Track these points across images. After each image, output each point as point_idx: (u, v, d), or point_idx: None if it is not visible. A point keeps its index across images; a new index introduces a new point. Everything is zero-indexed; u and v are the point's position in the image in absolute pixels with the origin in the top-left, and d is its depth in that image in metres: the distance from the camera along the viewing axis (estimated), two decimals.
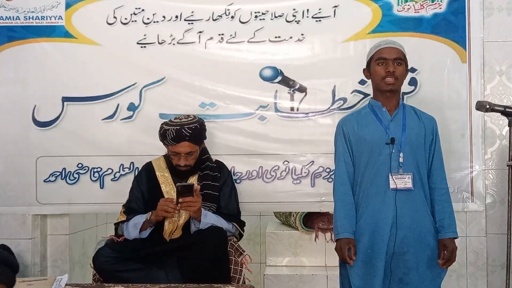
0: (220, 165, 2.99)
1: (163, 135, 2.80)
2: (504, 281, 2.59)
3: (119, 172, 3.20)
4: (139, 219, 2.77)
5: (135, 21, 3.20)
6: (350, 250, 2.47)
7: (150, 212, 2.76)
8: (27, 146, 3.22)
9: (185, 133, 2.76)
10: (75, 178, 3.21)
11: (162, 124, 2.87)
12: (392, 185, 2.47)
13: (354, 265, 2.51)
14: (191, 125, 2.79)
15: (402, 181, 2.47)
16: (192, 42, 3.20)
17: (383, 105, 2.57)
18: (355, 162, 2.58)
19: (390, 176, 2.47)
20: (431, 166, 2.56)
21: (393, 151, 2.49)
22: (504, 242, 2.61)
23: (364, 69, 2.67)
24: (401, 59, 2.53)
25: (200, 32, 3.19)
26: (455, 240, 2.52)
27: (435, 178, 2.56)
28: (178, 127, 2.77)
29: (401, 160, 2.48)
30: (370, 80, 2.65)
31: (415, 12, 3.11)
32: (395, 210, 2.46)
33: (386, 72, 2.50)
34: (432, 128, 2.58)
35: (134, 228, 2.76)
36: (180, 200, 2.65)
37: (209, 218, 2.75)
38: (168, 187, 2.86)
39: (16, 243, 3.18)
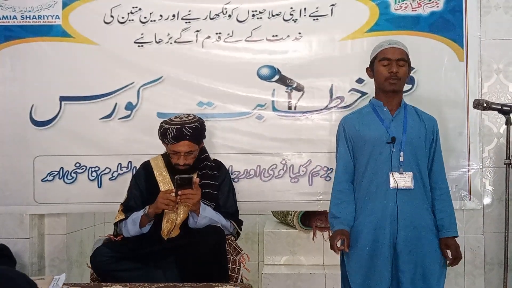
0: (218, 164, 2.99)
1: (163, 134, 2.79)
2: (501, 279, 2.59)
3: (117, 171, 3.20)
4: (137, 214, 2.77)
5: (132, 20, 3.20)
6: (344, 242, 2.46)
7: (148, 206, 2.75)
8: (25, 145, 3.21)
9: (186, 132, 2.75)
10: (73, 177, 3.20)
11: (162, 122, 2.86)
12: (392, 184, 2.48)
13: (353, 263, 2.52)
14: (192, 124, 2.79)
15: (402, 180, 2.48)
16: (190, 41, 3.19)
17: (384, 105, 2.58)
18: (356, 161, 2.59)
19: (390, 175, 2.48)
20: (432, 165, 2.57)
21: (394, 150, 2.50)
22: (501, 240, 2.62)
23: (367, 68, 2.68)
24: (404, 59, 2.55)
25: (198, 31, 3.19)
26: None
27: (435, 177, 2.57)
28: (178, 126, 2.76)
29: (401, 159, 2.49)
30: (372, 79, 2.65)
31: (412, 10, 3.11)
32: (396, 209, 2.47)
33: (390, 73, 2.52)
34: (432, 128, 2.59)
35: (133, 224, 2.75)
36: (179, 192, 2.65)
37: (208, 212, 2.75)
38: (166, 186, 2.85)
39: (13, 243, 3.17)
